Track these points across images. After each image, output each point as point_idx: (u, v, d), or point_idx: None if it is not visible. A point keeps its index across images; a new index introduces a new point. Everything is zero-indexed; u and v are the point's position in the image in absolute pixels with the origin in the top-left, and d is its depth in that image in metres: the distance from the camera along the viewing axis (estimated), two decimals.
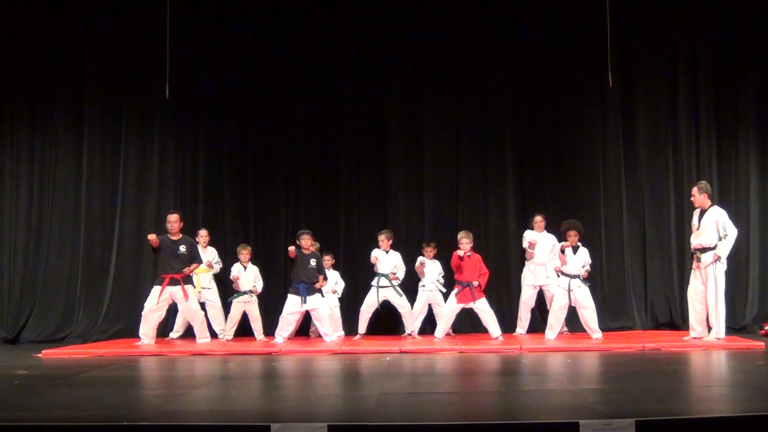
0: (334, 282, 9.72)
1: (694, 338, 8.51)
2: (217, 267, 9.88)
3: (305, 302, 8.92)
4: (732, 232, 8.53)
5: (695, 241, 8.67)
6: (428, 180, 10.33)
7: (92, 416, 4.72)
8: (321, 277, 9.07)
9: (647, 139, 10.33)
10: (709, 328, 8.54)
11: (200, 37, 10.48)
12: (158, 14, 10.25)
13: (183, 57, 9.98)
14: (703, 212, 8.67)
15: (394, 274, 9.48)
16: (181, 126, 10.50)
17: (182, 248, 8.88)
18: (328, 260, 9.66)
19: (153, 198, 10.30)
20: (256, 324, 9.44)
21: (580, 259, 8.87)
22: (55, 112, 10.41)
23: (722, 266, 8.53)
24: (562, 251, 8.89)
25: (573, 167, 10.37)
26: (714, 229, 8.52)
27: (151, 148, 10.39)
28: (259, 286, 9.52)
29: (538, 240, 9.56)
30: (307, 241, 9.09)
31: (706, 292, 8.51)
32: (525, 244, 9.70)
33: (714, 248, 8.50)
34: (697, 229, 8.65)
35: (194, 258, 9.03)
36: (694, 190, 8.77)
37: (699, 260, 8.58)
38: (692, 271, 8.78)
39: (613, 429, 4.07)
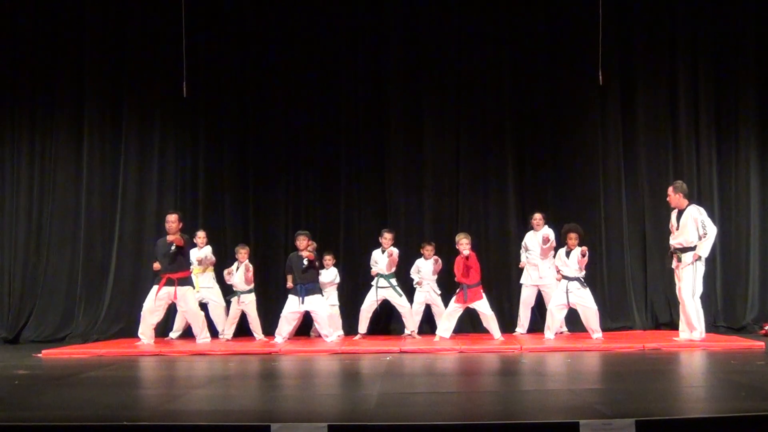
0: (333, 276, 9.72)
1: (688, 339, 8.44)
2: (207, 261, 9.63)
3: (303, 302, 8.92)
4: (711, 231, 8.48)
5: (675, 240, 8.62)
6: (428, 180, 10.33)
7: (92, 416, 4.71)
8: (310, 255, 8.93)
9: (647, 139, 10.33)
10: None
11: (200, 37, 10.46)
12: (159, 14, 10.28)
13: (183, 57, 9.97)
14: (680, 212, 8.63)
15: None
16: (181, 126, 10.51)
17: (172, 247, 8.80)
18: (328, 260, 9.68)
19: (153, 198, 10.31)
20: (255, 324, 9.44)
21: (573, 259, 8.83)
22: (55, 112, 10.43)
23: (701, 266, 8.50)
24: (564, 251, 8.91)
25: (573, 167, 10.37)
26: (694, 229, 8.48)
27: (151, 148, 10.39)
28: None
29: (529, 239, 9.55)
30: (302, 243, 9.07)
31: (681, 291, 8.50)
32: (522, 253, 9.70)
33: (694, 248, 8.46)
34: (677, 229, 8.60)
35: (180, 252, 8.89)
36: (670, 189, 8.71)
37: (680, 260, 8.53)
38: (675, 271, 8.71)
39: (613, 429, 4.07)
